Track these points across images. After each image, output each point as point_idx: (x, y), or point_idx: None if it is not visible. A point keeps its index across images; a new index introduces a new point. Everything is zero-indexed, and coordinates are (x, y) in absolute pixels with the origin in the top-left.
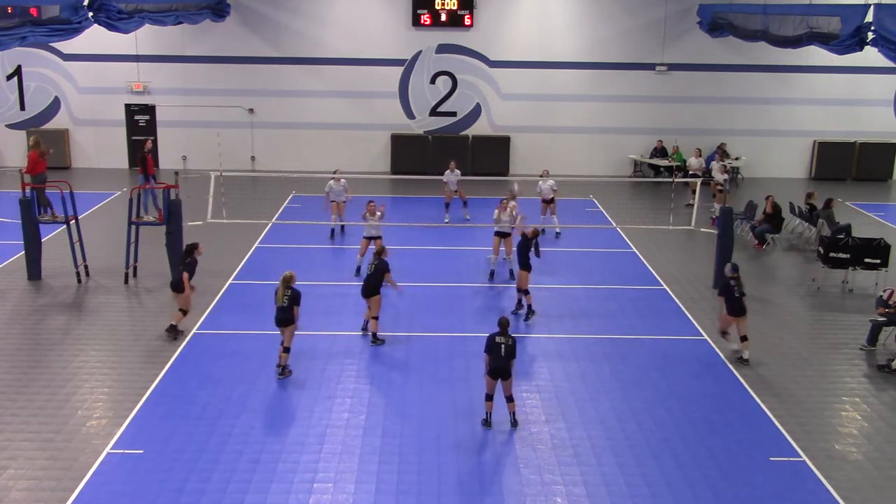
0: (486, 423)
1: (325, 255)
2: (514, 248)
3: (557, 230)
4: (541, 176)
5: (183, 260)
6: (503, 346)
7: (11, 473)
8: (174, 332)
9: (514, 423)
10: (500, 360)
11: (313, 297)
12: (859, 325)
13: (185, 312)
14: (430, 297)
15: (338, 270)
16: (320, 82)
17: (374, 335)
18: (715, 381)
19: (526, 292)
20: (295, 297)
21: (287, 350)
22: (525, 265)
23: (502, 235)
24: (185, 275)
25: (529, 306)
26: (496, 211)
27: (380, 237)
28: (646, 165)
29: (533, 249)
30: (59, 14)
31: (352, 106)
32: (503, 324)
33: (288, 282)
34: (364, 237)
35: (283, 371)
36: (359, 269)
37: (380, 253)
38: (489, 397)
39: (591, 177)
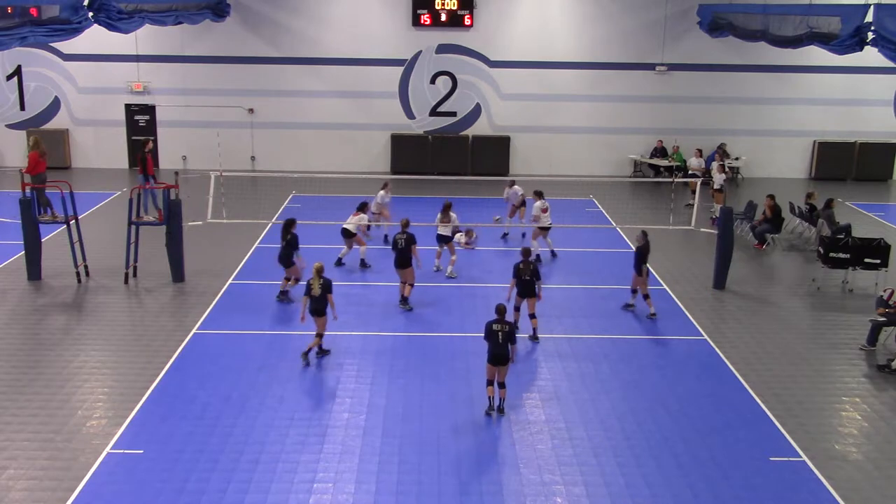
0: (490, 409)
1: (325, 256)
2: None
3: (524, 231)
4: (508, 185)
5: (284, 236)
6: (500, 333)
7: (11, 473)
8: (285, 297)
9: (502, 410)
10: (499, 347)
11: None
12: (859, 325)
13: (296, 280)
14: (431, 297)
15: (338, 270)
16: (320, 82)
17: (405, 299)
18: (715, 381)
19: (531, 315)
20: (327, 286)
21: (320, 336)
22: (520, 292)
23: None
24: (301, 258)
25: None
26: (439, 215)
27: (355, 234)
28: (646, 165)
29: (526, 274)
30: (59, 14)
31: (352, 106)
32: (500, 311)
33: (320, 272)
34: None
35: (320, 350)
36: (339, 260)
37: (405, 226)
38: (490, 383)
39: (591, 177)
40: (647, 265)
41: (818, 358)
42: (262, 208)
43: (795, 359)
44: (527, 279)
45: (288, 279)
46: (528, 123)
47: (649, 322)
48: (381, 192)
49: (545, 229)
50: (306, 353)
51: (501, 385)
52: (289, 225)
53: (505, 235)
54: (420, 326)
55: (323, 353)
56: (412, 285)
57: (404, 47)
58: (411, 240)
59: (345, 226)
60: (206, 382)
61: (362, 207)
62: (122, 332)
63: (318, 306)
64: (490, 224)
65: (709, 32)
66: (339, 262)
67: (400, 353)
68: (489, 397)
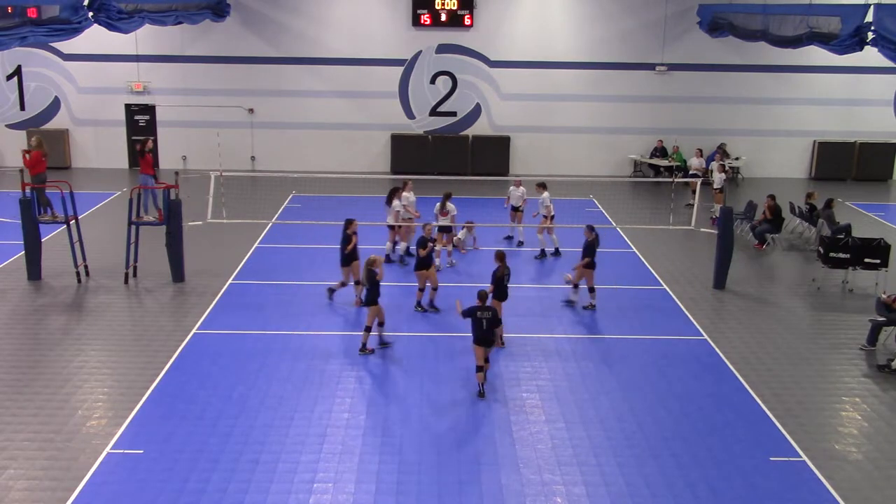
0: (481, 394)
1: (325, 255)
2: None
3: (521, 239)
4: (514, 185)
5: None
6: (484, 320)
7: (11, 473)
8: (331, 294)
9: (483, 385)
10: (484, 332)
11: (314, 297)
12: (859, 325)
13: (358, 283)
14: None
15: (337, 271)
16: (320, 82)
17: (431, 302)
18: (715, 381)
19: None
20: (369, 279)
21: (381, 324)
22: (496, 295)
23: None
24: (349, 247)
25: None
26: (438, 205)
27: (394, 227)
28: (646, 165)
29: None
30: (59, 14)
31: (352, 106)
32: (482, 296)
33: (368, 265)
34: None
35: (363, 349)
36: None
37: (428, 232)
38: (479, 369)
39: (591, 177)
40: (595, 259)
41: (818, 358)
42: (262, 208)
43: (795, 359)
44: (505, 284)
45: (344, 283)
46: (528, 123)
47: (649, 322)
48: (406, 194)
49: (550, 220)
50: (363, 345)
51: (486, 361)
52: (347, 224)
53: (509, 238)
54: (421, 326)
55: (365, 350)
56: (436, 289)
57: (404, 47)
58: (421, 242)
59: (388, 223)
60: (206, 382)
61: (393, 194)
62: (122, 332)
63: (367, 298)
64: (489, 224)
65: (709, 32)
66: (388, 259)
67: (400, 353)
68: (479, 383)
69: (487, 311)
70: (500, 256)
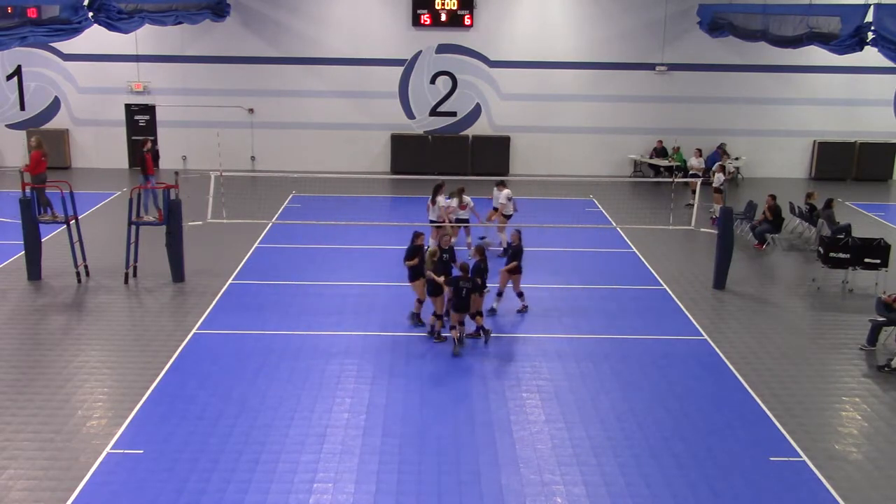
0: (459, 342)
1: (325, 256)
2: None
3: (483, 235)
4: (497, 186)
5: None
6: (464, 289)
7: (11, 473)
8: (417, 319)
9: (463, 341)
10: (461, 300)
11: (314, 297)
12: (859, 325)
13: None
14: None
15: (337, 271)
16: (320, 82)
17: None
18: (715, 381)
19: (479, 314)
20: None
21: (437, 316)
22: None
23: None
24: (415, 261)
25: (482, 328)
26: (455, 200)
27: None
28: (646, 165)
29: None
30: (59, 14)
31: (352, 106)
32: (464, 268)
33: (430, 258)
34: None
35: (473, 333)
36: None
37: (448, 240)
38: (452, 328)
39: (591, 177)
40: (521, 264)
41: (818, 358)
42: (262, 208)
43: (795, 359)
44: (483, 278)
45: (421, 300)
46: (528, 123)
47: (649, 322)
48: (441, 197)
49: (506, 219)
50: (431, 327)
51: (461, 323)
52: (414, 237)
53: (483, 238)
54: (420, 326)
55: (438, 337)
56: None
57: (404, 47)
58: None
59: (432, 221)
60: (206, 382)
61: (436, 192)
62: (122, 332)
63: (437, 289)
64: (486, 224)
65: (709, 32)
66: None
67: (400, 353)
68: (454, 338)
69: (468, 282)
70: (480, 250)
